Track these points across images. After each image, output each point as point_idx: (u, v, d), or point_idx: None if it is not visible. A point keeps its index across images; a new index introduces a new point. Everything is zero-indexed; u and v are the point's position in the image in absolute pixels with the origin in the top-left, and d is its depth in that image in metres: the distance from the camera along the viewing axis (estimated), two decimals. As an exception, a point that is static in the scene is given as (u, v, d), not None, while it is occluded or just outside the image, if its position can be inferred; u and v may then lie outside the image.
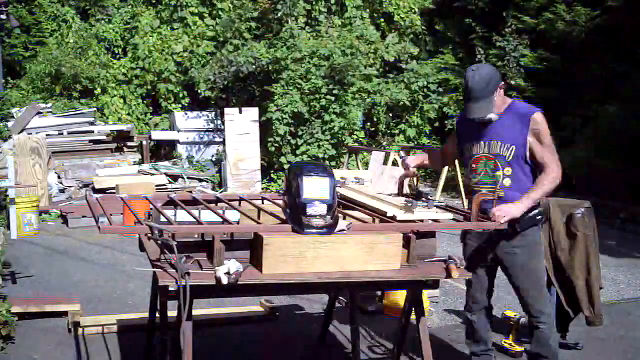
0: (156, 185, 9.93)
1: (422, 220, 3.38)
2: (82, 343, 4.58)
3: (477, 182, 3.60)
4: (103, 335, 4.70)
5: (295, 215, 3.02)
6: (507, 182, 3.49)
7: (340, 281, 3.11)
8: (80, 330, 4.72)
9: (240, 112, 11.22)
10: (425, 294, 4.83)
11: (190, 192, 9.51)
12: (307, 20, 12.60)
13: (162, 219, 3.29)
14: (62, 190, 10.10)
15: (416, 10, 13.84)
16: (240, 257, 3.04)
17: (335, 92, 11.38)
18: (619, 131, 10.25)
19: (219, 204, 3.82)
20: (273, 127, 11.23)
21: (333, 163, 11.60)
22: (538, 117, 3.43)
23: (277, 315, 5.18)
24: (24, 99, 11.92)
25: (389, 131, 13.28)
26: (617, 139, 10.36)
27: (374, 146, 12.35)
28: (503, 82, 3.53)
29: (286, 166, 11.54)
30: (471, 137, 3.61)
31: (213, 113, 12.57)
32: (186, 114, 12.60)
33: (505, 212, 3.33)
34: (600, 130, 10.64)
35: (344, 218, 3.44)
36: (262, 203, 3.88)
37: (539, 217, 3.53)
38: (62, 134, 10.93)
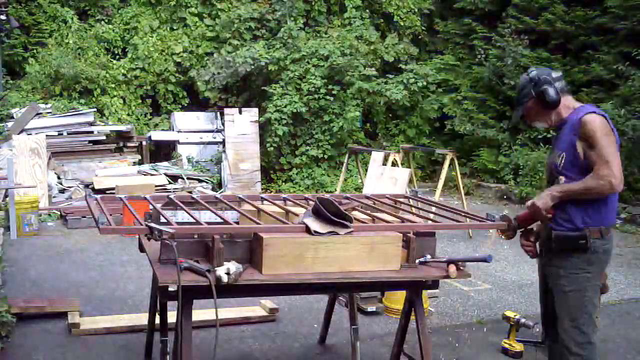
0: (156, 186, 9.93)
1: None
2: (81, 344, 4.57)
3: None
4: (103, 336, 4.70)
5: None
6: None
7: (340, 281, 3.11)
8: (79, 331, 4.72)
9: (240, 112, 11.21)
10: (425, 294, 4.83)
11: (190, 192, 9.50)
12: (307, 21, 12.60)
13: (162, 219, 3.29)
14: (62, 191, 10.09)
15: (416, 10, 13.84)
16: (241, 258, 3.05)
17: (334, 92, 11.38)
18: (618, 131, 10.25)
19: (219, 205, 3.82)
20: (272, 128, 11.24)
21: (333, 164, 11.61)
22: (586, 119, 3.12)
23: (277, 315, 5.18)
24: (24, 100, 11.90)
25: (389, 131, 13.28)
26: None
27: (374, 147, 12.35)
28: (535, 96, 3.27)
29: (286, 167, 11.56)
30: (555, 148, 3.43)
31: (213, 114, 12.58)
32: (187, 114, 12.60)
33: (537, 202, 3.22)
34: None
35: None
36: (262, 203, 3.88)
37: (581, 241, 3.19)
38: (61, 134, 10.92)
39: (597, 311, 3.32)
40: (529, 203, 3.28)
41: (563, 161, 3.21)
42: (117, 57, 13.11)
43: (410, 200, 4.26)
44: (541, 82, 3.23)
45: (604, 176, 3.06)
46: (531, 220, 3.35)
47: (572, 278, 3.23)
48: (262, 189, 11.20)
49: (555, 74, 3.29)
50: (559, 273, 3.27)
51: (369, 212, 3.74)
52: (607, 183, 3.07)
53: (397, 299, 5.15)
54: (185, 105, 13.03)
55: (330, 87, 11.37)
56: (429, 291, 5.19)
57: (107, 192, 9.58)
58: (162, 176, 10.54)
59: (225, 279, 2.83)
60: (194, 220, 3.29)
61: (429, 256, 3.34)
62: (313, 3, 12.49)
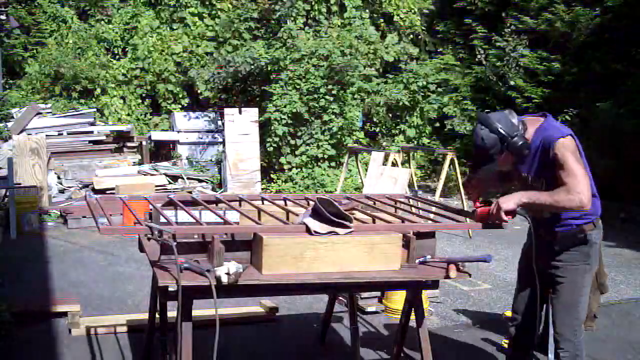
0: (156, 186, 9.93)
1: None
2: (81, 344, 4.57)
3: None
4: (103, 336, 4.70)
5: None
6: (546, 214, 3.33)
7: (340, 282, 3.11)
8: (79, 331, 4.72)
9: (240, 112, 11.21)
10: (425, 294, 4.83)
11: (190, 192, 9.50)
12: (307, 21, 12.60)
13: (162, 219, 3.29)
14: (61, 191, 10.09)
15: (416, 10, 13.84)
16: (241, 258, 3.05)
17: (334, 92, 11.38)
18: (619, 131, 10.25)
19: (219, 205, 3.82)
20: (272, 128, 11.24)
21: (333, 163, 11.60)
22: (558, 145, 3.17)
23: (277, 315, 5.18)
24: (24, 100, 11.91)
25: (389, 131, 13.27)
26: (616, 138, 10.35)
27: (374, 147, 12.33)
28: (508, 151, 3.25)
29: (286, 166, 11.55)
30: (519, 167, 3.44)
31: (213, 113, 12.57)
32: (188, 114, 12.60)
33: (501, 202, 3.22)
34: (600, 130, 10.63)
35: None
36: (262, 203, 3.88)
37: (580, 235, 3.31)
38: (62, 134, 10.92)
39: (588, 303, 3.50)
40: (494, 204, 3.28)
41: (544, 186, 3.27)
42: (117, 57, 13.11)
43: (410, 200, 4.26)
44: (510, 137, 3.22)
45: (576, 192, 3.11)
46: (488, 217, 3.33)
47: (571, 270, 3.34)
48: (262, 189, 11.20)
49: (509, 114, 3.29)
50: (558, 267, 3.36)
51: (369, 212, 3.74)
52: (578, 199, 3.11)
53: (397, 299, 5.15)
54: (185, 105, 13.04)
55: (330, 87, 11.36)
56: (429, 291, 5.19)
57: (107, 192, 9.60)
58: (162, 176, 10.54)
59: (225, 279, 2.83)
60: (194, 220, 3.28)
61: (429, 256, 3.34)
62: (313, 3, 12.49)
